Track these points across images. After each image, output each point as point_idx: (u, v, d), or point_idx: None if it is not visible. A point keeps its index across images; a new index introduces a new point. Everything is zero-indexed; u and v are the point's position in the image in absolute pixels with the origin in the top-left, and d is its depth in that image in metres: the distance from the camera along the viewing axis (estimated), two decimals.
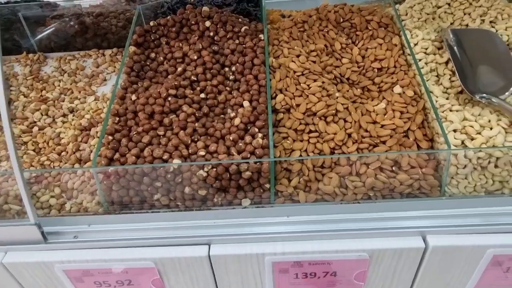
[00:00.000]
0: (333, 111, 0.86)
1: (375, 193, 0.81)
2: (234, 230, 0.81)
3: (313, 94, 0.89)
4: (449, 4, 1.05)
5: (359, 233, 0.78)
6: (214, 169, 0.79)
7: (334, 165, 0.82)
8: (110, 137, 0.84)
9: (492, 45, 0.92)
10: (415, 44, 0.97)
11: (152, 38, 1.06)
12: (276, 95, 0.92)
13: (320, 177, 0.82)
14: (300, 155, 0.84)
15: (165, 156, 0.80)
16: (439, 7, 1.05)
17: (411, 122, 0.84)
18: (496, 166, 0.77)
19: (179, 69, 0.96)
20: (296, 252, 0.77)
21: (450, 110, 0.83)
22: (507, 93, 0.83)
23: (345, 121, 0.86)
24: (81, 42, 1.23)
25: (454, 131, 0.79)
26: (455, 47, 0.92)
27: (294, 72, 0.94)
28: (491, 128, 0.78)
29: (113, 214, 0.83)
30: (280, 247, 0.77)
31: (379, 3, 1.15)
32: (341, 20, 1.06)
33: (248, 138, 0.82)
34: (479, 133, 0.78)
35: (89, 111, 1.04)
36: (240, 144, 0.81)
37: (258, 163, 0.79)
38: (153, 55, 1.04)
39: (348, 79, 0.96)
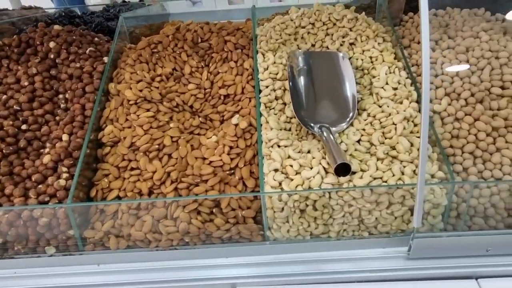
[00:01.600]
0: (157, 146, 0.79)
1: (191, 238, 0.73)
2: (36, 282, 0.72)
3: (141, 126, 0.81)
4: (313, 24, 0.99)
5: (165, 286, 0.70)
6: (6, 215, 0.70)
7: (152, 206, 0.74)
8: None
9: (338, 70, 0.86)
10: (265, 69, 0.90)
11: None
12: (106, 126, 0.84)
13: (134, 221, 0.74)
14: (118, 196, 0.76)
15: None
16: (303, 27, 0.99)
17: (240, 158, 0.77)
18: (315, 209, 0.70)
19: (4, 97, 0.87)
20: None
21: (278, 146, 0.76)
22: (336, 128, 0.77)
23: (171, 157, 0.79)
24: None
25: (275, 170, 0.72)
26: (298, 72, 0.86)
27: (128, 100, 0.86)
28: (311, 168, 0.71)
29: None
30: None
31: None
32: (199, 41, 0.99)
33: (51, 179, 0.74)
34: (299, 173, 0.71)
35: None
36: (41, 186, 0.73)
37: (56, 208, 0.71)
38: None
39: (191, 106, 0.88)
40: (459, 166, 0.72)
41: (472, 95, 0.77)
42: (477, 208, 0.70)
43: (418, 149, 0.73)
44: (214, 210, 0.73)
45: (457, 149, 0.74)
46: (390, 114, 0.78)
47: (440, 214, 0.71)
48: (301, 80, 0.84)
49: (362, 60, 0.89)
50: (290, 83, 0.83)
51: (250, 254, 0.73)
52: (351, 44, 0.94)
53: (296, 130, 0.82)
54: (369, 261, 0.72)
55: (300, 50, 0.91)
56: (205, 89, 0.90)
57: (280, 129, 0.80)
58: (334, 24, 0.98)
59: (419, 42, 0.92)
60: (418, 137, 0.76)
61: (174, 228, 0.72)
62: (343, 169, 0.66)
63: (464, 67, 0.81)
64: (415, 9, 1.04)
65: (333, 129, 0.77)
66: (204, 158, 0.79)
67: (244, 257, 0.73)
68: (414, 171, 0.71)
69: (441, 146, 0.73)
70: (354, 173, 0.70)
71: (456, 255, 0.70)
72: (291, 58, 0.89)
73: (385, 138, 0.75)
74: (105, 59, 0.94)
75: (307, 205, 0.70)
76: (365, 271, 0.71)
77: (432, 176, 0.71)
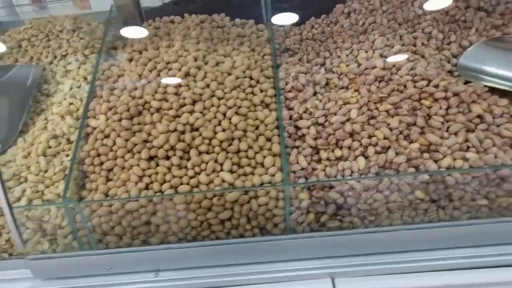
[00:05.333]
0: None
1: None
2: None
3: None
4: (37, 37, 0.97)
5: None
6: None
7: None
8: None
9: (17, 86, 0.85)
10: None
11: None
12: None
13: None
14: None
15: None
16: (28, 40, 0.97)
17: None
18: None
19: None
20: None
21: None
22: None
23: None
24: None
25: None
26: None
27: None
28: None
29: None
30: None
31: None
32: None
33: None
34: None
35: None
36: None
37: None
38: None
39: None
40: (93, 184, 0.71)
41: (128, 109, 0.76)
42: (103, 226, 0.70)
43: (58, 168, 0.72)
44: None
45: (97, 167, 0.73)
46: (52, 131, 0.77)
47: (69, 234, 0.70)
48: None
49: (60, 72, 0.88)
50: None
51: None
52: (64, 55, 0.93)
53: None
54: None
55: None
56: None
57: None
58: (57, 36, 0.96)
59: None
60: (67, 155, 0.75)
61: None
62: None
63: (133, 80, 0.80)
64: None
65: None
66: None
67: None
68: (42, 191, 0.70)
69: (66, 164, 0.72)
70: None
71: (83, 275, 0.70)
72: None
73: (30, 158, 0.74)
74: None
75: None
76: None
77: (60, 195, 0.70)
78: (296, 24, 1.04)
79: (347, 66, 0.85)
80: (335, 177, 0.69)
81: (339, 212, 0.69)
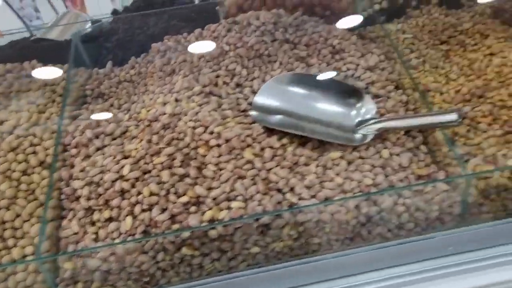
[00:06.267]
0: None
1: None
2: None
3: None
4: None
5: None
6: None
7: None
8: None
9: None
10: None
11: None
12: None
13: None
14: None
15: None
16: None
17: None
18: None
19: None
20: None
21: None
22: None
23: None
24: None
25: None
26: None
27: None
28: None
29: None
30: None
31: None
32: None
33: None
34: None
35: None
36: None
37: None
38: None
39: None
40: None
41: None
42: None
43: None
44: None
45: None
46: None
47: None
48: None
49: None
50: None
51: None
52: None
53: None
54: None
55: None
56: None
57: None
58: None
59: None
60: None
61: None
62: None
63: None
64: None
65: None
66: None
67: None
68: None
69: None
70: None
71: None
72: None
73: None
74: None
75: None
76: None
77: None
78: (120, 64, 1.00)
79: (148, 111, 0.83)
80: (104, 240, 0.66)
81: (110, 278, 0.66)
